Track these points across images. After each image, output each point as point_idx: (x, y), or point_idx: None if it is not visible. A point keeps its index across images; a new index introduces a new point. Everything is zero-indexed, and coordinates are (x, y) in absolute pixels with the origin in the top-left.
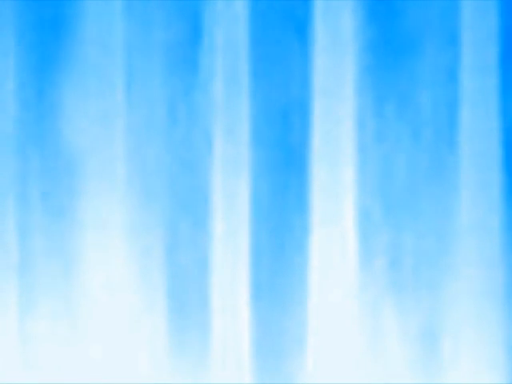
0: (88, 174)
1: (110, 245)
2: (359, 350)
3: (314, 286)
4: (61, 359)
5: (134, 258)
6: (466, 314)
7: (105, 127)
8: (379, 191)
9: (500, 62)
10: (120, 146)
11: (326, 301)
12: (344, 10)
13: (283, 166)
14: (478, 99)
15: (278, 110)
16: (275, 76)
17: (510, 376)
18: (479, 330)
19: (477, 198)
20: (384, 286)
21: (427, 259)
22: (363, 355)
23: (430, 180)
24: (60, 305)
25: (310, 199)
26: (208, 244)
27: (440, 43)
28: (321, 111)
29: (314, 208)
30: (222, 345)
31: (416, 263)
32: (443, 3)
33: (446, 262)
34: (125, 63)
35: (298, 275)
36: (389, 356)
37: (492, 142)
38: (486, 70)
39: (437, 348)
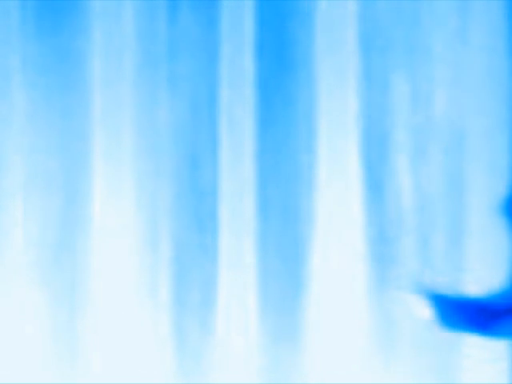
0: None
1: (117, 234)
2: (362, 303)
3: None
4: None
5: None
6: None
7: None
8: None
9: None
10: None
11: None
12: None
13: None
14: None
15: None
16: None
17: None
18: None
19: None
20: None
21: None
22: (367, 308)
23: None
24: (63, 300)
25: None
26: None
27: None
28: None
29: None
30: (227, 308)
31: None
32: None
33: (454, 205)
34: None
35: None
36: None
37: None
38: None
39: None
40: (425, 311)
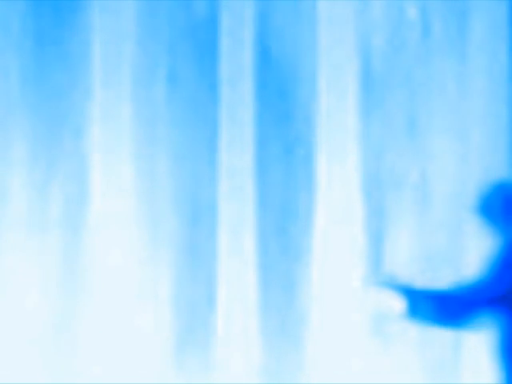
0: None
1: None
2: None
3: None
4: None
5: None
6: None
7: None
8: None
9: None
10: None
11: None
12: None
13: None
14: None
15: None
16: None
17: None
18: None
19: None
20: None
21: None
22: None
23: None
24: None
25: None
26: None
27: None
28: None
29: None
30: (228, 286)
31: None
32: None
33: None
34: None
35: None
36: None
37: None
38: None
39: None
40: (396, 304)
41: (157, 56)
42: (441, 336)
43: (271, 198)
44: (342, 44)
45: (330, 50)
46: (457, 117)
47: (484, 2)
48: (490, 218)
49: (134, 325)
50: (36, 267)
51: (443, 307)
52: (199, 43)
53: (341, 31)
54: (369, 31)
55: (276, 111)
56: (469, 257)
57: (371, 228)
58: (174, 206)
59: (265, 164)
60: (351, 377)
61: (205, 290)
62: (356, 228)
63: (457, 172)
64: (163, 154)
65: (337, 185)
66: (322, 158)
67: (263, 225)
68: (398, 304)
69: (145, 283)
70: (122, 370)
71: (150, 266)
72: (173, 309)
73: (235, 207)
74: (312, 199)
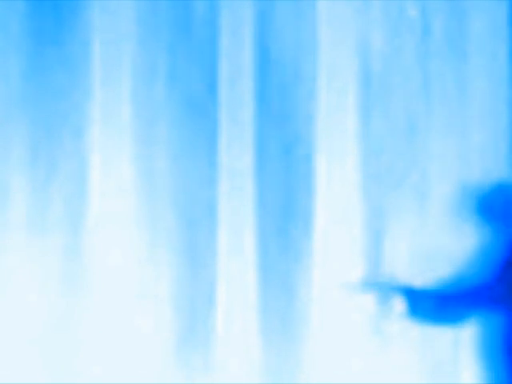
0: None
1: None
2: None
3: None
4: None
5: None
6: None
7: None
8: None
9: None
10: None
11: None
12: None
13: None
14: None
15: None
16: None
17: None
18: None
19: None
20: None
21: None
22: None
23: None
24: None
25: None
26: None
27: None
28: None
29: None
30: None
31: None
32: None
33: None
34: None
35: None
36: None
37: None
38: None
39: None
40: (396, 304)
41: (157, 56)
42: (441, 336)
43: (271, 198)
44: (342, 44)
45: (330, 50)
46: (457, 117)
47: (484, 2)
48: (490, 218)
49: (134, 325)
50: (36, 267)
51: (443, 307)
52: (199, 43)
53: (341, 31)
54: (369, 31)
55: (276, 111)
56: (469, 257)
57: (371, 228)
58: (173, 206)
59: (265, 164)
60: (351, 376)
61: (205, 289)
62: (356, 228)
63: (457, 172)
64: (163, 153)
65: (336, 185)
66: (322, 157)
67: (263, 225)
68: (398, 304)
69: (145, 283)
70: (122, 370)
71: (150, 266)
72: (173, 309)
73: (235, 207)
74: (312, 199)
